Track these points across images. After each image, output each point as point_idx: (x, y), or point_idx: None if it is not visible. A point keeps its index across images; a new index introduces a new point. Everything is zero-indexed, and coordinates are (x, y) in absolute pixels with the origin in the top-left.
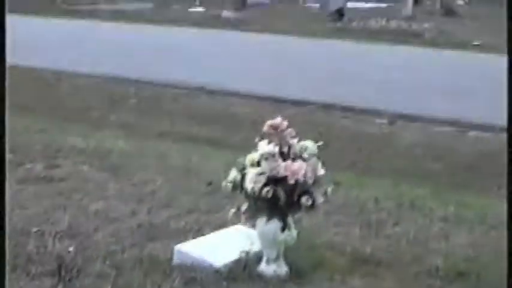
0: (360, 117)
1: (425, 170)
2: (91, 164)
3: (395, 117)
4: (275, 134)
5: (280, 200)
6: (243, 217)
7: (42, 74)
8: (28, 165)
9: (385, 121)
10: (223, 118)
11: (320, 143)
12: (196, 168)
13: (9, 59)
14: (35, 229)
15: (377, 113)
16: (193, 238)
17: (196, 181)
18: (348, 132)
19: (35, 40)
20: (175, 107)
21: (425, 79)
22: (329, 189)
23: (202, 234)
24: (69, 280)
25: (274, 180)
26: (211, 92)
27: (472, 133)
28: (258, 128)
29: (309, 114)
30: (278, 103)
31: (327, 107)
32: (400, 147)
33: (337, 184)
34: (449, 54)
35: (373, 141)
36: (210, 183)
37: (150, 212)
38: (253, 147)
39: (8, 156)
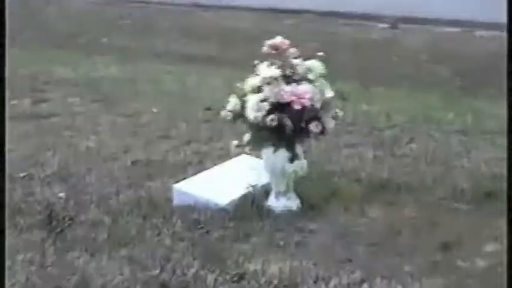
0: (361, 23)
1: (434, 75)
2: (81, 96)
3: (398, 21)
4: (276, 54)
5: (287, 128)
6: (247, 148)
7: None
8: (14, 101)
9: (387, 26)
10: (220, 34)
11: (321, 53)
12: (194, 92)
13: None
14: (22, 174)
15: (378, 18)
16: (194, 173)
17: (194, 107)
18: (350, 40)
19: None
20: (170, 25)
21: None
22: (339, 112)
23: (204, 168)
24: (61, 231)
25: (279, 107)
26: (205, 7)
27: (478, 33)
28: (257, 43)
29: (308, 23)
30: (275, 13)
31: (326, 14)
32: (405, 52)
33: (344, 99)
34: None
35: (377, 47)
36: (208, 109)
37: (146, 146)
38: (252, 66)
39: None
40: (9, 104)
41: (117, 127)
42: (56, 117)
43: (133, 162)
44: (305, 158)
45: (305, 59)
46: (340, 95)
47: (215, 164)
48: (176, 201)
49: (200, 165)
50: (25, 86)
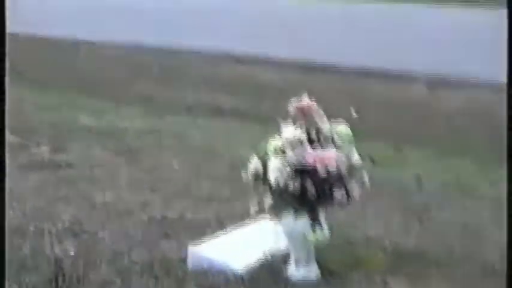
0: (396, 82)
1: (470, 140)
2: (103, 146)
3: (434, 81)
4: (302, 115)
5: (309, 194)
6: (267, 212)
7: (56, 43)
8: (33, 149)
9: (423, 85)
10: (252, 88)
11: (354, 114)
12: (219, 148)
13: None
14: (32, 227)
15: (414, 77)
16: (212, 233)
17: (218, 164)
18: (384, 99)
19: None
20: (200, 76)
21: None
22: (366, 179)
23: (223, 228)
24: None
25: (302, 172)
26: (239, 58)
27: None
28: (288, 100)
29: (342, 80)
30: (311, 70)
31: (361, 72)
32: (441, 113)
33: (373, 162)
34: None
35: (412, 107)
36: (234, 167)
37: (164, 203)
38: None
39: (11, 138)
40: (28, 151)
41: (136, 181)
42: (74, 169)
43: (150, 219)
44: (328, 223)
45: (335, 119)
46: (370, 158)
47: (235, 226)
48: (191, 263)
49: (219, 225)
50: (46, 132)
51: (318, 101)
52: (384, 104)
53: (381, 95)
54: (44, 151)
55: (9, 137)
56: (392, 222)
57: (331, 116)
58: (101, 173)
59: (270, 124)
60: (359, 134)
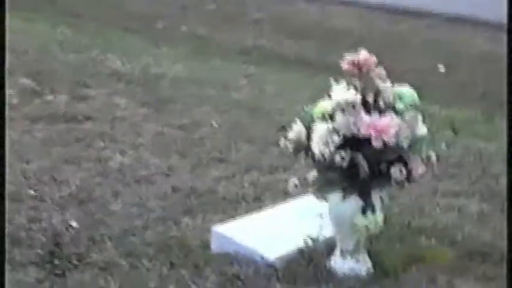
0: (496, 34)
1: None
2: (130, 96)
3: None
4: (357, 74)
5: (361, 170)
6: (310, 189)
7: None
8: (49, 97)
9: None
10: (322, 33)
11: (442, 67)
12: (271, 105)
13: None
14: (32, 192)
15: None
16: (245, 212)
17: (266, 124)
18: (479, 54)
19: None
20: (262, 16)
21: None
22: (433, 156)
23: (260, 206)
24: (63, 273)
25: (353, 142)
26: None
27: None
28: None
29: (429, 29)
30: (393, 14)
31: (455, 19)
32: None
33: (454, 132)
34: None
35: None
36: (283, 128)
37: (193, 170)
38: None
39: (27, 82)
40: (42, 99)
41: (163, 141)
42: (91, 122)
43: (174, 190)
44: (384, 208)
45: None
46: (451, 126)
47: (273, 204)
48: (214, 247)
49: (256, 202)
50: (67, 77)
51: (397, 53)
52: (480, 60)
53: (479, 49)
54: (60, 100)
55: (21, 81)
56: (466, 209)
57: (414, 69)
58: (122, 129)
59: (339, 79)
60: (444, 97)
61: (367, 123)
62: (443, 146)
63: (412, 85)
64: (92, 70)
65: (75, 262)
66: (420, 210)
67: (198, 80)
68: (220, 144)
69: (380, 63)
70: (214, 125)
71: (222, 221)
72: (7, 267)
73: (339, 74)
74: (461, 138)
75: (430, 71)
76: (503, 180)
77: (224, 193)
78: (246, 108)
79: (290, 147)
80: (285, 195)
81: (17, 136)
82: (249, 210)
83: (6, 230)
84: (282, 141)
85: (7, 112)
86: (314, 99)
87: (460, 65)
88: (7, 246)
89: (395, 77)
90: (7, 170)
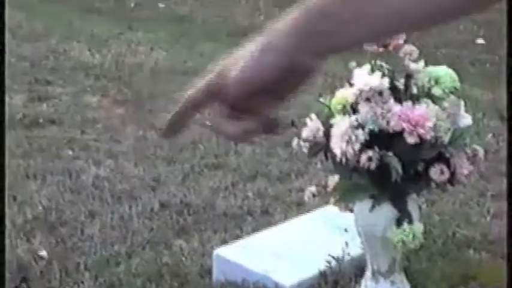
0: None
1: None
2: (103, 93)
3: None
4: (383, 53)
5: (393, 172)
6: (331, 198)
7: None
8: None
9: None
10: None
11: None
12: None
13: None
14: None
15: None
16: (253, 229)
17: None
18: None
19: None
20: None
21: None
22: (480, 151)
23: (269, 221)
24: None
25: (382, 138)
26: None
27: None
28: None
29: None
30: None
31: None
32: None
33: (503, 118)
34: None
35: None
36: (292, 125)
37: (184, 181)
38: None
39: None
40: None
41: (146, 146)
42: (57, 127)
43: (162, 206)
44: (423, 217)
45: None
46: (498, 113)
47: (285, 218)
48: (216, 274)
49: (264, 216)
50: (23, 72)
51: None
52: None
53: None
54: (15, 101)
55: None
56: None
57: (449, 43)
58: (96, 134)
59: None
60: (482, 77)
61: (398, 115)
62: (490, 138)
63: (449, 64)
64: (53, 63)
65: None
66: (466, 218)
67: (183, 70)
68: (217, 147)
69: (409, 39)
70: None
71: (223, 242)
72: None
73: (360, 54)
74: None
75: (468, 45)
76: None
77: (224, 207)
78: None
79: (304, 148)
80: (300, 207)
81: None
82: (256, 228)
83: None
84: (295, 142)
85: None
86: (331, 88)
87: (503, 36)
88: None
89: (428, 55)
90: None
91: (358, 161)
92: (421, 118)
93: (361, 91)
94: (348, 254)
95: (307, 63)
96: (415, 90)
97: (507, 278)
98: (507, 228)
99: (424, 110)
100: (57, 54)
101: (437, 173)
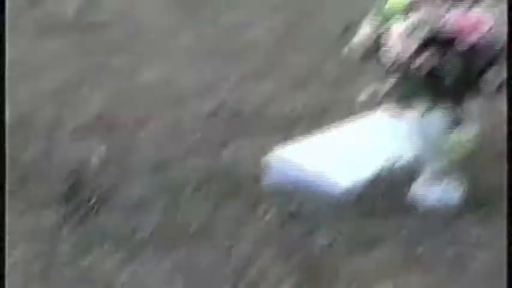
0: None
1: None
2: None
3: None
4: None
5: (449, 75)
6: (385, 102)
7: None
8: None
9: None
10: None
11: None
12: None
13: None
14: (42, 118)
15: None
16: (303, 133)
17: (328, 24)
18: None
19: None
20: None
21: None
22: None
23: (321, 126)
24: (85, 215)
25: (438, 41)
26: None
27: None
28: None
29: None
30: None
31: None
32: None
33: None
34: None
35: None
36: (346, 29)
37: (238, 85)
38: None
39: None
40: (45, 5)
41: (200, 50)
42: (110, 29)
43: (214, 111)
44: (479, 120)
45: None
46: None
47: (337, 122)
48: (268, 178)
49: (316, 121)
50: None
51: None
52: None
53: None
54: (69, 7)
55: None
56: None
57: None
58: (150, 36)
59: None
60: None
61: (454, 18)
62: None
63: None
64: None
65: (100, 202)
66: None
67: None
68: (270, 51)
69: None
70: (259, 28)
71: (276, 144)
72: (16, 208)
73: None
74: None
75: None
76: None
77: (276, 111)
78: (301, 6)
79: (357, 52)
80: (351, 113)
81: (20, 51)
82: (307, 132)
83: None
84: (348, 46)
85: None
86: None
87: None
88: (17, 182)
89: None
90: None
91: (414, 64)
92: (477, 22)
93: None
94: (401, 159)
95: None
96: None
97: (507, 278)
98: (507, 228)
99: (481, 14)
100: None
101: (493, 75)
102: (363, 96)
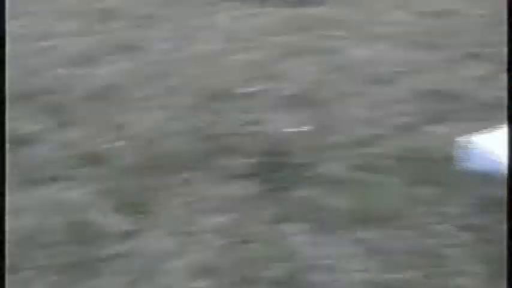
0: None
1: None
2: None
3: None
4: None
5: None
6: None
7: None
8: None
9: None
10: None
11: None
12: None
13: None
14: (243, 90)
15: None
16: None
17: None
18: None
19: None
20: None
21: None
22: None
23: None
24: (285, 187)
25: None
26: None
27: None
28: None
29: None
30: None
31: None
32: None
33: None
34: None
35: None
36: None
37: (444, 68)
38: None
39: None
40: None
41: (407, 32)
42: (324, 7)
43: (419, 92)
44: None
45: None
46: None
47: None
48: (468, 162)
49: None
50: None
51: None
52: None
53: None
54: None
55: None
56: None
57: None
58: (360, 16)
59: None
60: None
61: None
62: None
63: None
64: None
65: (299, 175)
66: None
67: None
68: (480, 36)
69: None
70: (479, 12)
71: (477, 131)
72: (211, 177)
73: None
74: None
75: None
76: None
77: (481, 97)
78: None
79: None
80: None
81: (228, 21)
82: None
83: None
84: None
85: None
86: None
87: None
88: (212, 152)
89: None
90: None
91: None
92: None
93: None
94: None
95: None
96: None
97: (507, 277)
98: (507, 228)
99: None
100: None
101: None
102: None
